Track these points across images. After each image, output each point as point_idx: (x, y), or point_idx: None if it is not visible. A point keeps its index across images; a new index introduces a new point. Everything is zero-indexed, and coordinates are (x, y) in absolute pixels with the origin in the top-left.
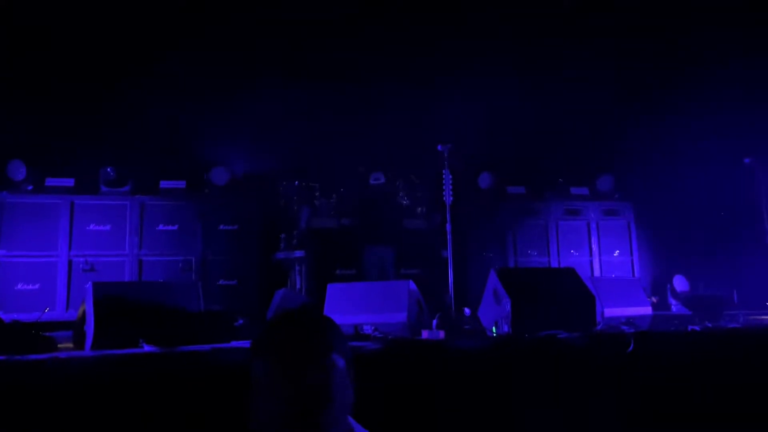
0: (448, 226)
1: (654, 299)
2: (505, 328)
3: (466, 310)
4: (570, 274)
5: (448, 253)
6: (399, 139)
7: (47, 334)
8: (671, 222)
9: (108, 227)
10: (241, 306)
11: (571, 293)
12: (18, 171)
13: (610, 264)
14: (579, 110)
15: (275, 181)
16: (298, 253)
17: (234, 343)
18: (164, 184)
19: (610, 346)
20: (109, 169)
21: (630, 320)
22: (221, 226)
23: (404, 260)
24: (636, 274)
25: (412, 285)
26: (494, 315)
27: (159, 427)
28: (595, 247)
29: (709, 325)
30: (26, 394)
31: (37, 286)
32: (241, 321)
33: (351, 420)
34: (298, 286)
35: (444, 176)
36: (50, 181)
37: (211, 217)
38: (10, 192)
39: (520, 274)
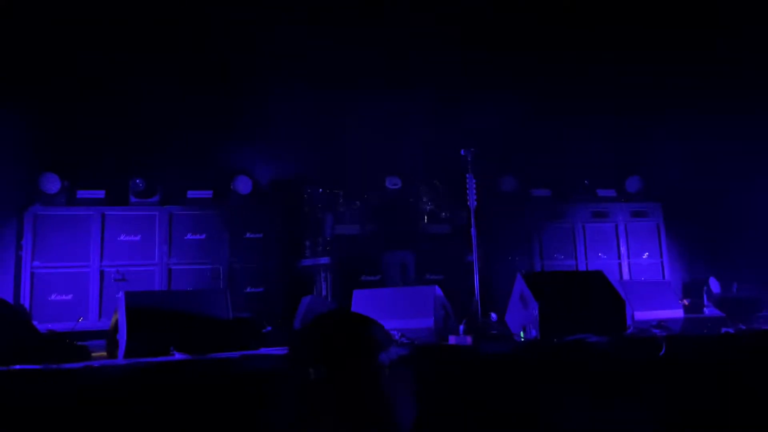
0: (473, 231)
1: (685, 302)
2: (533, 333)
3: (493, 315)
4: (598, 277)
5: (473, 258)
6: (422, 144)
7: (81, 343)
8: (701, 223)
9: (138, 237)
10: (268, 313)
11: (599, 296)
12: (52, 184)
13: (639, 266)
14: (604, 110)
15: (299, 188)
16: (323, 260)
17: (263, 350)
18: (191, 194)
19: (642, 349)
20: (138, 181)
21: (661, 323)
22: (247, 234)
23: (428, 265)
24: (666, 277)
25: (438, 290)
26: (522, 319)
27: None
28: (623, 249)
29: (743, 327)
30: (61, 403)
31: (70, 296)
32: (269, 328)
33: None
34: (323, 293)
35: (468, 180)
36: (81, 194)
37: (237, 225)
38: (43, 204)
39: (547, 277)
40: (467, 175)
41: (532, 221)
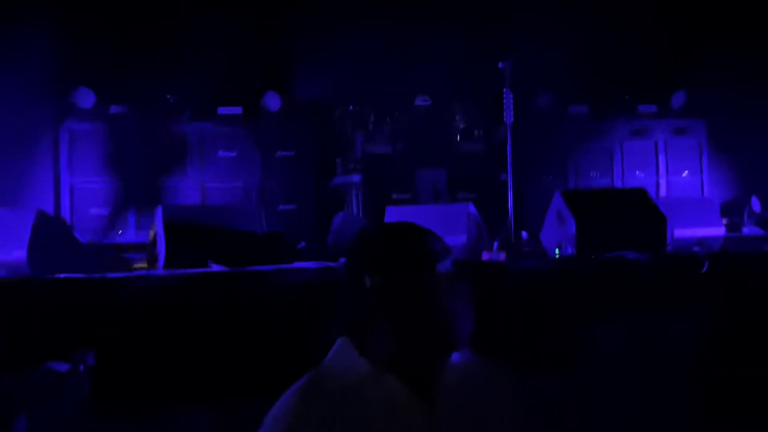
0: (509, 148)
1: (725, 221)
2: (569, 250)
3: (524, 234)
4: (640, 194)
5: (508, 176)
6: (455, 60)
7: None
8: (744, 142)
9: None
10: (300, 230)
11: (640, 213)
12: (86, 99)
13: (677, 185)
14: (647, 22)
15: (329, 106)
16: (355, 178)
17: (297, 264)
18: (221, 110)
19: (683, 267)
20: (168, 97)
21: (702, 241)
22: (278, 153)
23: (460, 184)
24: (705, 195)
25: (472, 207)
26: (557, 237)
27: (227, 340)
28: (662, 167)
29: None
30: (104, 311)
31: (107, 210)
32: (303, 244)
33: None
34: (354, 211)
35: (505, 95)
36: (114, 109)
37: (268, 143)
38: (78, 120)
39: (586, 194)
40: (504, 90)
41: (567, 139)
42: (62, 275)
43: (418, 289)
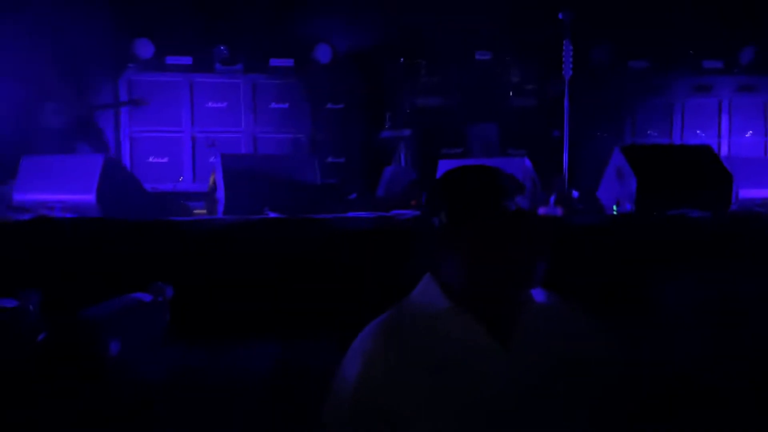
0: (566, 103)
1: None
2: (628, 207)
3: (575, 193)
4: (705, 151)
5: (564, 132)
6: (509, 10)
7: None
8: None
9: (224, 105)
10: (349, 182)
11: (704, 171)
12: (144, 49)
13: (740, 146)
14: None
15: (380, 59)
16: (404, 132)
17: (350, 214)
18: (273, 62)
19: (748, 226)
20: (222, 48)
21: (766, 202)
22: (329, 105)
23: (511, 139)
24: None
25: (528, 162)
26: (616, 194)
27: (283, 284)
28: (725, 126)
29: None
30: (169, 252)
31: (166, 159)
32: (354, 195)
33: None
34: (403, 164)
35: (564, 47)
36: (170, 60)
37: (319, 95)
38: (137, 70)
39: (647, 150)
40: (564, 42)
41: (625, 95)
42: (131, 219)
43: (489, 226)
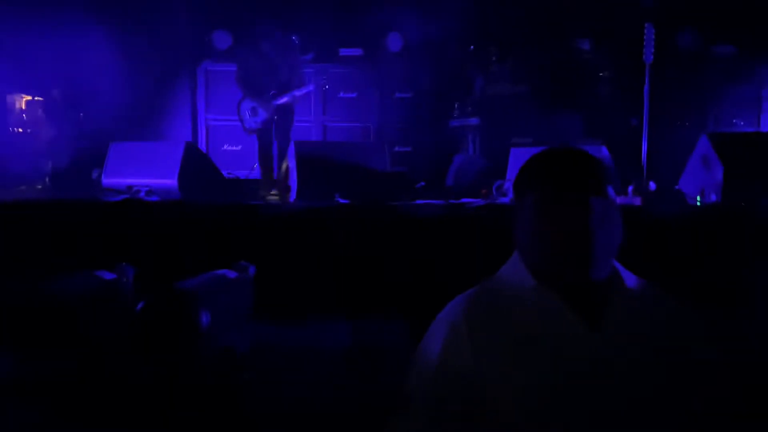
0: (646, 90)
1: None
2: (713, 197)
3: (652, 184)
4: None
5: (644, 120)
6: None
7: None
8: None
9: None
10: (416, 171)
11: None
12: (223, 40)
13: None
14: None
15: (449, 47)
16: (473, 121)
17: (419, 201)
18: (343, 51)
19: None
20: (294, 38)
21: None
22: (396, 93)
23: (587, 127)
24: None
25: (605, 151)
26: (701, 183)
27: (353, 266)
28: None
29: None
30: (244, 231)
31: (239, 147)
32: (422, 183)
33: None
34: (471, 153)
35: (646, 31)
36: (246, 51)
37: (387, 84)
38: (214, 60)
39: (735, 138)
40: (646, 25)
41: (709, 83)
42: (209, 201)
43: (567, 207)
